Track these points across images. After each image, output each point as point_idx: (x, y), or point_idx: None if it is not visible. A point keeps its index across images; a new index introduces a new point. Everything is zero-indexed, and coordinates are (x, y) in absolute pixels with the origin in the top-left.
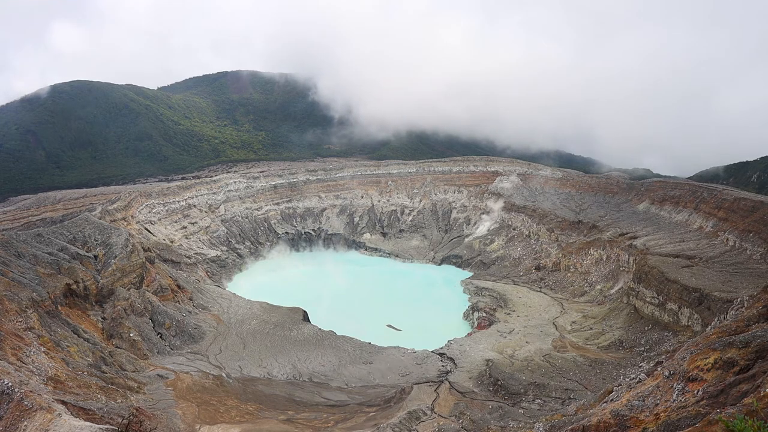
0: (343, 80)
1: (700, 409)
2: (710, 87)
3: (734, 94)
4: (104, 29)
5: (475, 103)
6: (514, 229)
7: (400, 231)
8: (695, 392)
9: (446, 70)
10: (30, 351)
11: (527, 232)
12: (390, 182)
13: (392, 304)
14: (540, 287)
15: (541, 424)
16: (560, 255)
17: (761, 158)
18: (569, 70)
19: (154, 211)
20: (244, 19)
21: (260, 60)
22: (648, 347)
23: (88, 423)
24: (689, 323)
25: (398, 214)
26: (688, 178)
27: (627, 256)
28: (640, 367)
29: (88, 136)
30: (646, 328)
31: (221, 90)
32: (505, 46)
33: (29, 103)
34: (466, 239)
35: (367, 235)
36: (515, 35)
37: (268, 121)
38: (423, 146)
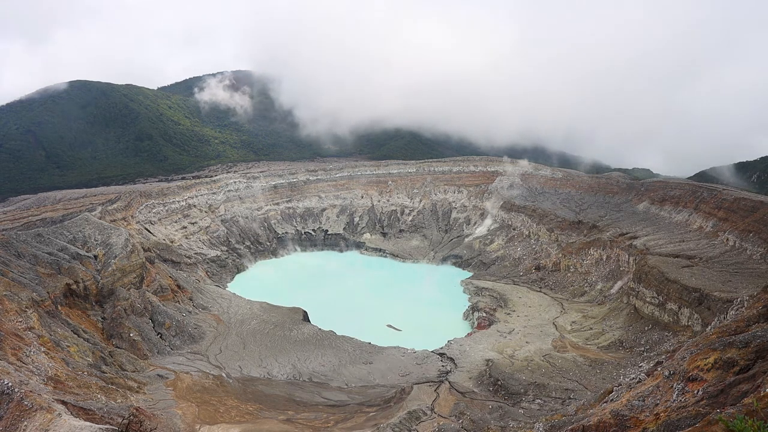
0: (325, 80)
1: (700, 409)
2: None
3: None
4: (94, 29)
5: (449, 98)
6: (514, 229)
7: (400, 231)
8: (695, 392)
9: (426, 67)
10: (30, 351)
11: (527, 232)
12: (390, 182)
13: (392, 304)
14: (540, 287)
15: (541, 424)
16: (560, 255)
17: (761, 158)
18: (554, 67)
19: (154, 211)
20: (240, 19)
21: (252, 60)
22: (648, 347)
23: (88, 423)
24: (689, 323)
25: (398, 214)
26: (688, 178)
27: (627, 256)
28: (640, 367)
29: (88, 136)
30: (646, 328)
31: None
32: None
33: (29, 103)
34: (466, 239)
35: (367, 235)
36: (486, 33)
37: (267, 121)
38: (422, 146)
